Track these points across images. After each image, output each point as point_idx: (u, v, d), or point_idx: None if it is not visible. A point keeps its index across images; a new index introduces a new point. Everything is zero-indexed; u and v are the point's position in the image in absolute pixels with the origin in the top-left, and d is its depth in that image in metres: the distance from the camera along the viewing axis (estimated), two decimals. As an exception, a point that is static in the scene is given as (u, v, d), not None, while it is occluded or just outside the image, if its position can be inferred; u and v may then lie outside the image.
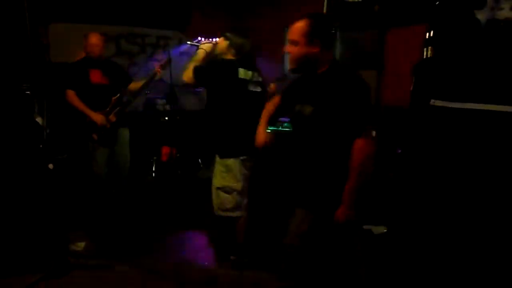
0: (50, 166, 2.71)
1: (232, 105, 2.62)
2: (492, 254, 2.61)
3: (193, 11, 5.57)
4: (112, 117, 3.37)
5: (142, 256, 2.94)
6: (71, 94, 3.33)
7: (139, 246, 3.06)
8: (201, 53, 2.72)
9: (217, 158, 2.66)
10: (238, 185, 2.63)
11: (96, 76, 3.39)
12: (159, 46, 5.51)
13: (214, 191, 2.68)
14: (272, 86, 3.89)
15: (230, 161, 2.61)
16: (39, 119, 2.86)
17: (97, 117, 3.29)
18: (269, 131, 4.82)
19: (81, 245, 3.01)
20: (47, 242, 2.80)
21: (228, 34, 2.72)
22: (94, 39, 3.41)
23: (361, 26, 4.33)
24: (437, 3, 2.98)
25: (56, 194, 2.82)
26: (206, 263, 2.92)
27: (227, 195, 2.63)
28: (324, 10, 4.64)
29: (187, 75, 2.61)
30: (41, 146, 2.74)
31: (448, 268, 2.62)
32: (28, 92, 3.05)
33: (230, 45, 2.67)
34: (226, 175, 2.62)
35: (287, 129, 4.72)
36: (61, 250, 2.76)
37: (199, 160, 5.12)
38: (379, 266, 2.81)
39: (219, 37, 2.80)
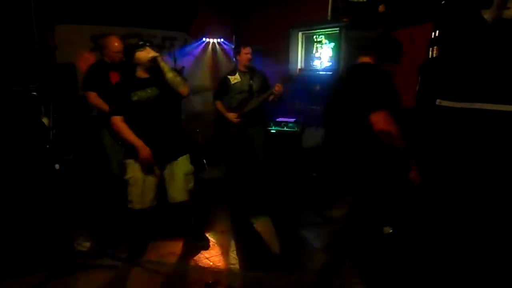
0: (57, 166, 2.72)
1: None
2: (499, 253, 2.58)
3: (198, 11, 5.58)
4: None
5: (147, 256, 2.95)
6: (93, 96, 3.38)
7: (144, 247, 3.07)
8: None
9: (185, 156, 2.92)
10: None
11: (116, 79, 3.44)
12: (164, 47, 5.52)
13: (186, 177, 2.89)
14: (277, 87, 3.91)
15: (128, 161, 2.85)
16: (45, 120, 2.89)
17: None
18: (273, 131, 4.85)
19: (86, 245, 3.03)
20: (54, 242, 2.83)
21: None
22: (118, 46, 3.40)
23: (366, 26, 4.31)
24: (443, 2, 2.96)
25: (62, 194, 2.84)
26: (211, 263, 2.92)
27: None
28: (329, 10, 4.64)
29: (188, 87, 2.75)
30: (47, 146, 2.75)
31: (454, 267, 2.60)
32: (34, 93, 3.08)
33: None
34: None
35: (291, 129, 4.72)
36: (67, 250, 2.77)
37: (204, 160, 5.13)
38: (386, 265, 2.80)
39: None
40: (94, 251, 2.99)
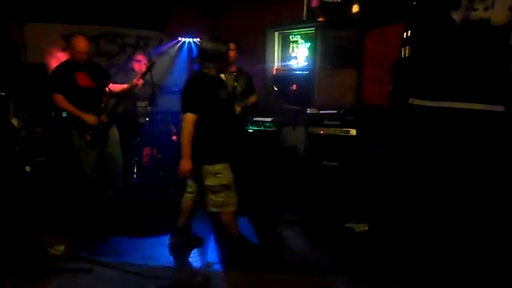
0: (27, 168, 2.65)
1: None
2: (473, 249, 2.66)
3: (173, 10, 5.53)
4: (104, 118, 3.42)
5: (124, 259, 2.89)
6: (60, 98, 3.28)
7: (120, 249, 3.02)
8: None
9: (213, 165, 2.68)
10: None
11: (82, 79, 3.36)
12: (139, 46, 5.44)
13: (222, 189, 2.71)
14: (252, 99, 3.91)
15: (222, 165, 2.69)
16: (14, 121, 2.80)
17: (90, 118, 3.32)
18: (251, 130, 4.85)
19: (60, 248, 2.95)
20: (25, 245, 2.74)
21: None
22: (83, 46, 3.32)
23: (341, 26, 4.38)
24: (414, 3, 3.04)
25: (34, 196, 2.76)
26: (194, 264, 2.89)
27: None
28: (304, 10, 4.68)
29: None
30: (17, 148, 2.67)
31: (429, 262, 2.66)
32: (2, 94, 2.98)
33: None
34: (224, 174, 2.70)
35: (269, 128, 4.73)
36: (40, 254, 2.70)
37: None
38: (361, 262, 2.84)
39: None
40: (68, 254, 2.92)
